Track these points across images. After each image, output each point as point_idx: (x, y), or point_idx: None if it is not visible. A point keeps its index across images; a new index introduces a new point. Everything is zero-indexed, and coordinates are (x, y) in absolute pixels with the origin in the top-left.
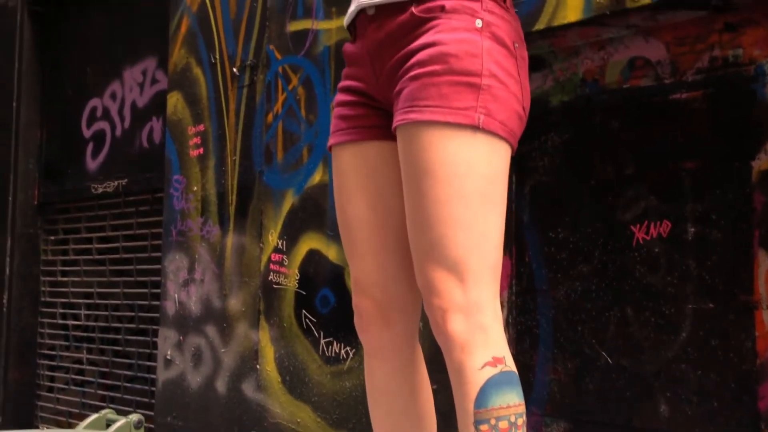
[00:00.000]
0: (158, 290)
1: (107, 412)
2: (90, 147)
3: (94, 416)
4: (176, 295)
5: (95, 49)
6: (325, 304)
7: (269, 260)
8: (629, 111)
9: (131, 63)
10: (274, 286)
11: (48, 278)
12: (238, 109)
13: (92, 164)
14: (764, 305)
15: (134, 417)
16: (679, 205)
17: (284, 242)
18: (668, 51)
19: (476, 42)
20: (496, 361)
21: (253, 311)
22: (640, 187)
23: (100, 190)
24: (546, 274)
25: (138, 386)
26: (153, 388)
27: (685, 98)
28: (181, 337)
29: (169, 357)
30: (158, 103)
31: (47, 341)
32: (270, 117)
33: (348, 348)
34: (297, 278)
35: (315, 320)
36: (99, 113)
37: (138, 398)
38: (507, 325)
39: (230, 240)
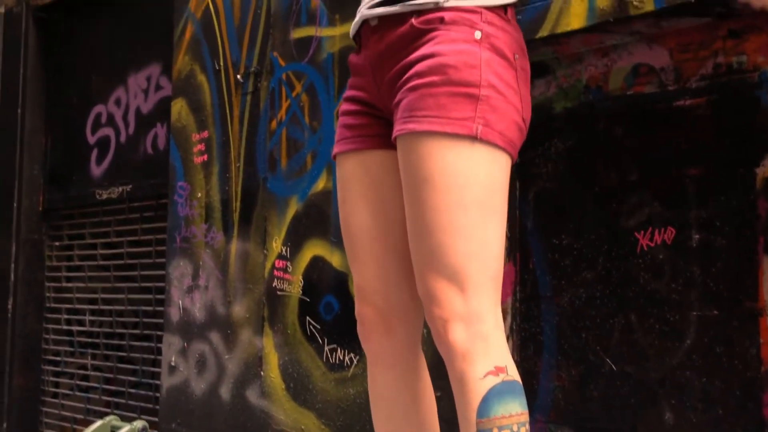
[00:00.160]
0: (162, 296)
1: (112, 419)
2: (94, 153)
3: (98, 423)
4: (180, 302)
5: (100, 55)
6: (329, 310)
7: (273, 267)
8: (633, 118)
9: (135, 69)
10: (278, 292)
11: (53, 284)
12: (242, 115)
13: (97, 170)
14: None
15: (139, 423)
16: (684, 211)
17: (288, 249)
18: (672, 58)
19: (475, 53)
20: (498, 370)
21: (257, 318)
22: (644, 194)
23: (105, 196)
24: (550, 280)
25: (142, 392)
26: (157, 394)
27: (688, 105)
28: (185, 344)
29: (173, 363)
30: (162, 110)
31: (52, 347)
32: (274, 124)
33: (352, 355)
34: (301, 285)
35: (319, 327)
36: (103, 119)
37: (142, 404)
38: (511, 332)
39: (234, 246)
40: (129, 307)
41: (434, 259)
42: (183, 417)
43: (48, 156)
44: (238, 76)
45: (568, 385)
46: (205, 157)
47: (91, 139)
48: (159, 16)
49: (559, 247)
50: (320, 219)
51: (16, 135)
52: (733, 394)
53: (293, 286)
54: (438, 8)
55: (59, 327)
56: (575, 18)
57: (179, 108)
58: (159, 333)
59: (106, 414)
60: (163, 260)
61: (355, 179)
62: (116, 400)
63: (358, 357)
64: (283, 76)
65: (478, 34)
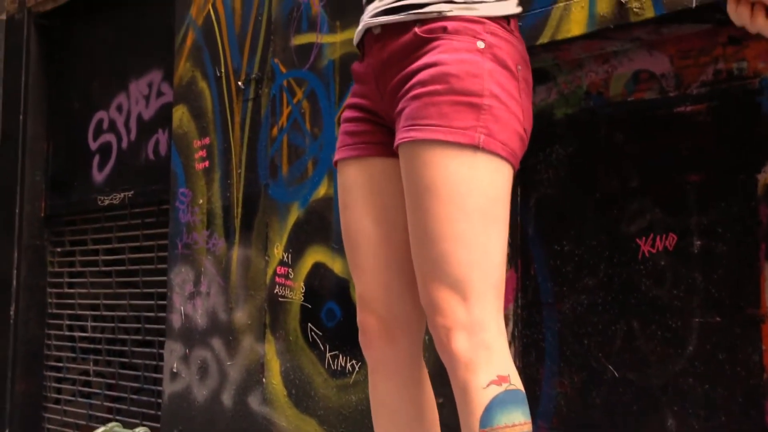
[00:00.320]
0: (164, 302)
1: (114, 425)
2: (96, 159)
3: (101, 429)
4: (182, 308)
5: (101, 61)
6: (330, 317)
7: (275, 273)
8: (634, 124)
9: (137, 76)
10: (280, 299)
11: (55, 290)
12: (243, 122)
13: (98, 176)
14: None
15: (141, 430)
16: (685, 218)
17: (290, 255)
18: (672, 64)
19: (478, 63)
20: (501, 379)
21: (258, 324)
22: (645, 200)
23: (107, 202)
24: (551, 287)
25: (144, 398)
26: (159, 400)
27: (689, 111)
28: (187, 350)
29: (175, 370)
30: (164, 116)
31: (54, 353)
32: (275, 130)
33: (354, 361)
34: (302, 291)
35: (321, 333)
36: (105, 125)
37: (144, 410)
38: (513, 339)
39: (236, 253)
40: (131, 313)
41: (436, 268)
42: (185, 423)
43: (50, 162)
44: (239, 83)
45: (571, 391)
46: (207, 163)
47: (93, 145)
48: (160, 23)
49: (561, 254)
50: (321, 225)
51: (18, 141)
52: (735, 401)
53: (295, 293)
54: (441, 17)
55: (61, 333)
56: (575, 24)
57: (180, 114)
58: (161, 339)
59: (109, 420)
60: (164, 266)
61: (356, 186)
62: (118, 406)
63: (359, 364)
64: (284, 83)
65: (481, 44)
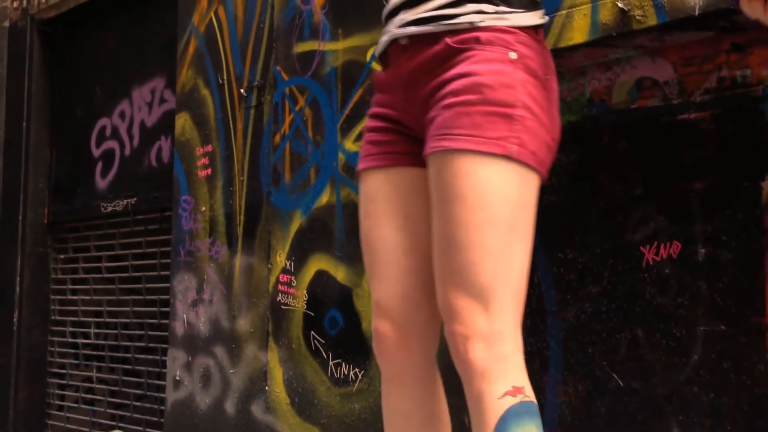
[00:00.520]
0: (167, 309)
1: None
2: (99, 166)
3: None
4: (185, 316)
5: (104, 68)
6: (333, 325)
7: (277, 281)
8: (637, 131)
9: (140, 82)
10: (283, 307)
11: (58, 297)
12: (245, 129)
13: (101, 183)
14: None
15: None
16: (689, 225)
17: (292, 263)
18: (675, 71)
19: (511, 73)
20: (516, 390)
21: (261, 332)
22: (649, 208)
23: (110, 209)
24: (555, 295)
25: (147, 405)
26: (162, 407)
27: (693, 118)
28: (189, 358)
29: (178, 378)
30: (167, 123)
31: (57, 359)
32: (277, 138)
33: (357, 370)
34: (305, 299)
35: (323, 341)
36: (108, 132)
37: (147, 417)
38: None
39: (238, 260)
40: (134, 320)
41: (460, 276)
42: (188, 431)
43: (53, 169)
44: (242, 90)
45: (575, 400)
46: (209, 170)
47: (96, 152)
48: (163, 30)
49: (564, 261)
50: (324, 233)
51: (21, 148)
52: (741, 410)
53: (297, 301)
54: (473, 28)
55: (64, 339)
56: (578, 32)
57: (183, 122)
58: (164, 345)
59: (112, 427)
60: (167, 273)
61: (380, 195)
62: (121, 413)
63: (362, 372)
64: (287, 90)
65: (513, 55)
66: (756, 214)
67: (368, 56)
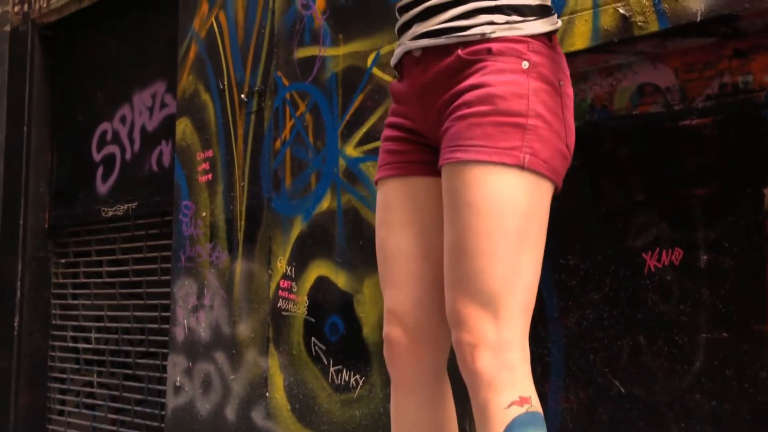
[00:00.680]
0: (168, 314)
1: None
2: (100, 170)
3: None
4: (185, 321)
5: (105, 73)
6: (334, 331)
7: (278, 287)
8: (639, 137)
9: (141, 87)
10: (283, 313)
11: (59, 301)
12: (246, 135)
13: (102, 188)
14: None
15: None
16: (691, 232)
17: (293, 269)
18: (677, 77)
19: (523, 83)
20: (522, 400)
21: (262, 338)
22: (650, 214)
23: (110, 214)
24: (557, 301)
25: (148, 410)
26: (163, 412)
27: (694, 125)
28: (190, 364)
29: (178, 383)
30: (167, 127)
31: (58, 364)
32: (278, 143)
33: (358, 376)
34: (306, 305)
35: (324, 348)
36: (109, 137)
37: (148, 422)
38: None
39: (239, 266)
40: (135, 325)
41: (470, 284)
42: None
43: (54, 173)
44: (242, 96)
45: (576, 407)
46: (210, 176)
47: (97, 157)
48: (164, 34)
49: (566, 268)
50: (325, 239)
51: (22, 152)
52: (743, 418)
53: (298, 307)
54: (485, 39)
55: (65, 344)
56: (579, 38)
57: (183, 127)
58: (165, 350)
59: None
60: (168, 277)
61: (397, 203)
62: (122, 418)
63: (363, 378)
64: (287, 96)
65: (525, 64)
66: (758, 220)
67: (369, 62)
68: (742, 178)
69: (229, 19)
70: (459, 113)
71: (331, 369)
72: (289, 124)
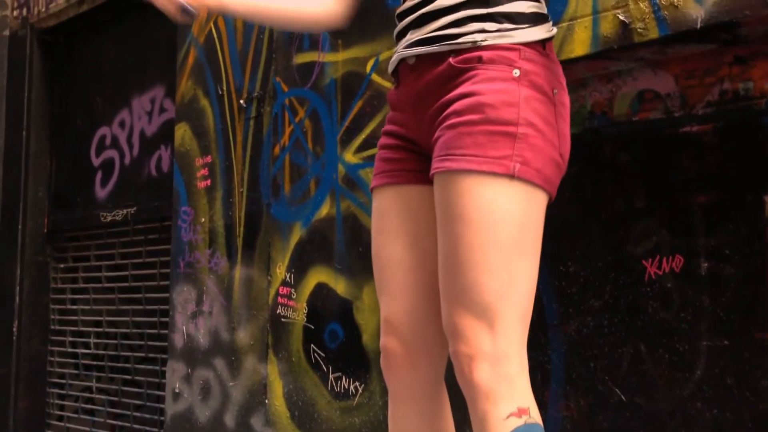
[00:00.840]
0: (167, 319)
1: None
2: (99, 175)
3: None
4: (184, 328)
5: (104, 77)
6: (333, 338)
7: (277, 293)
8: (639, 144)
9: (140, 92)
10: (283, 319)
11: (57, 306)
12: (245, 140)
13: (101, 192)
14: None
15: None
16: (692, 239)
17: (292, 275)
18: (677, 84)
19: (513, 91)
20: (521, 411)
21: (261, 345)
22: (651, 221)
23: (109, 219)
24: (557, 308)
25: (147, 415)
26: (162, 418)
27: (695, 131)
28: (189, 370)
29: (177, 390)
30: (166, 132)
31: (57, 369)
32: (277, 149)
33: (357, 383)
34: (305, 312)
35: (324, 355)
36: (108, 142)
37: (147, 428)
38: None
39: (238, 272)
40: (134, 330)
41: (465, 296)
42: None
43: (53, 178)
44: (241, 101)
45: (577, 415)
46: (209, 182)
47: (96, 161)
48: (163, 39)
49: (566, 275)
50: (324, 245)
51: (21, 157)
52: (745, 426)
53: (297, 313)
54: (476, 47)
55: (64, 349)
56: (579, 45)
57: (182, 132)
58: (164, 356)
59: None
60: (167, 282)
61: (392, 212)
62: (121, 423)
63: (363, 386)
64: (286, 102)
65: (516, 72)
66: (759, 228)
67: (368, 68)
68: (742, 185)
69: (228, 24)
70: (449, 122)
71: (331, 376)
72: (288, 130)
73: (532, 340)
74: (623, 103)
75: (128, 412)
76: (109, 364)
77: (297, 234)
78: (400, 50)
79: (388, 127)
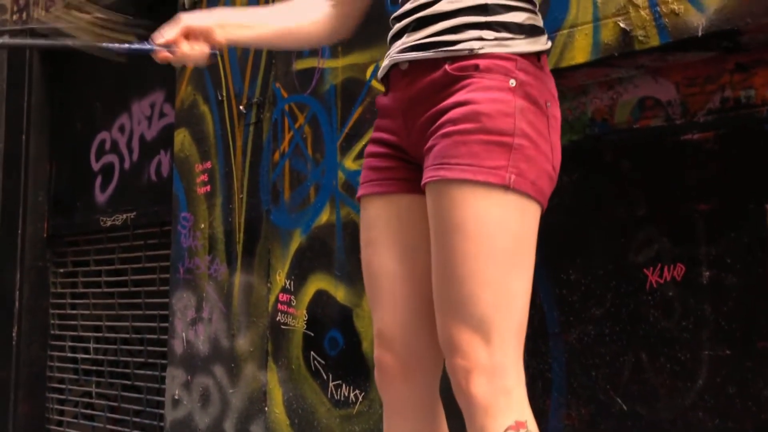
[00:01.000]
0: (167, 324)
1: None
2: (99, 180)
3: None
4: (184, 334)
5: (104, 82)
6: (333, 345)
7: (277, 300)
8: (640, 151)
9: (139, 96)
10: (282, 326)
11: (57, 311)
12: (245, 146)
13: (101, 197)
14: None
15: None
16: (693, 247)
17: (292, 282)
18: (678, 91)
19: (509, 101)
20: (518, 425)
21: (261, 352)
22: (652, 230)
23: (109, 223)
24: (558, 316)
25: (147, 420)
26: (162, 423)
27: (696, 139)
28: (188, 377)
29: (176, 397)
30: (166, 137)
31: (56, 374)
32: (276, 155)
33: (357, 391)
34: (305, 319)
35: (323, 362)
36: (108, 146)
37: None
38: None
39: (238, 279)
40: (133, 335)
41: (460, 309)
42: None
43: (52, 183)
44: (241, 107)
45: (578, 424)
46: (209, 188)
47: (96, 166)
48: None
49: (567, 283)
50: (324, 252)
51: (21, 161)
52: None
53: (297, 321)
54: (473, 55)
55: (64, 354)
56: (580, 52)
57: (182, 138)
58: (163, 361)
59: None
60: (167, 288)
61: (381, 222)
62: (121, 428)
63: (363, 393)
64: (286, 108)
65: (512, 82)
66: (761, 236)
67: (368, 74)
68: (744, 194)
69: None
70: (444, 130)
71: (331, 384)
72: (287, 136)
73: (533, 349)
74: (624, 111)
75: (128, 418)
76: (109, 369)
77: (297, 241)
78: (393, 54)
79: (376, 135)
